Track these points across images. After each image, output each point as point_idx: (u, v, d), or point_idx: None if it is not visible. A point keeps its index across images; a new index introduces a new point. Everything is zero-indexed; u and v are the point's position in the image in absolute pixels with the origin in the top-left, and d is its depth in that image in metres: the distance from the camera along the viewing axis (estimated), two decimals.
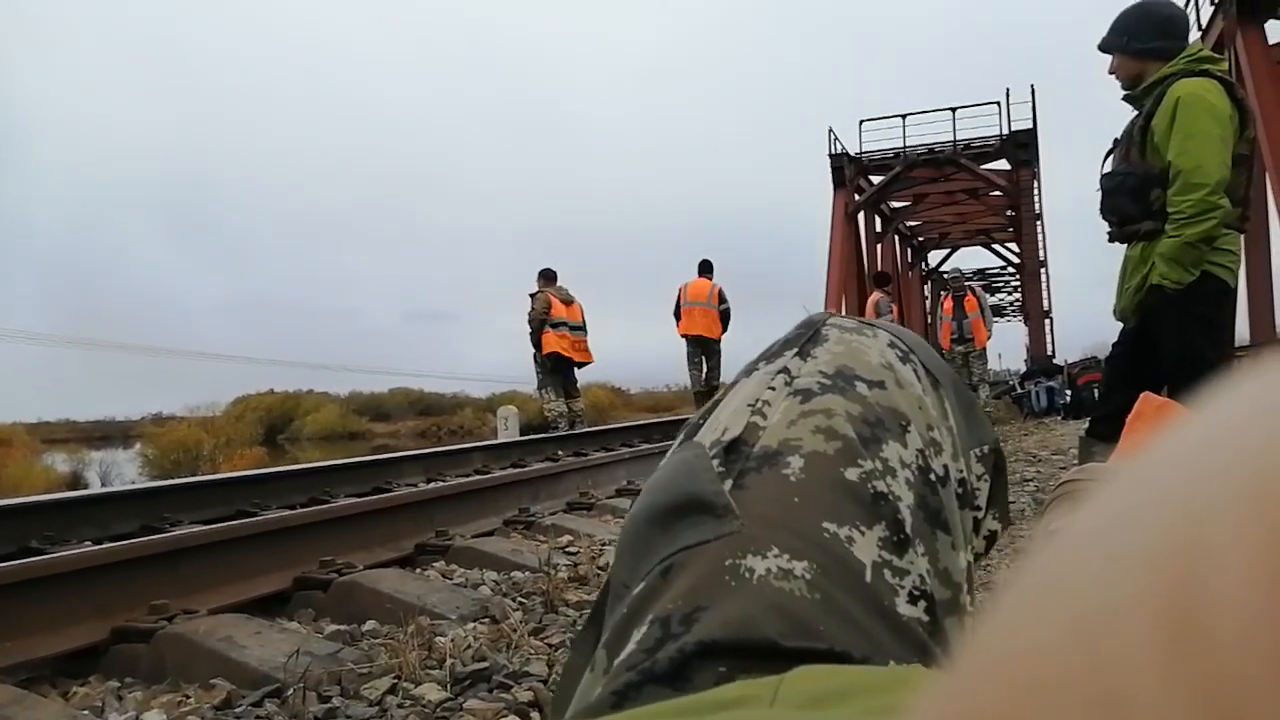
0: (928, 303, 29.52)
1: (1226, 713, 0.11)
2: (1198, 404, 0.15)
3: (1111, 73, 3.21)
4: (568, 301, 9.53)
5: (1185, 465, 0.14)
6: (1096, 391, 9.00)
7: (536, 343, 9.43)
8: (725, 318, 10.44)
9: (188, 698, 1.94)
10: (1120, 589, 0.13)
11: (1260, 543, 0.12)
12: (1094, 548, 0.14)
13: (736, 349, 10.94)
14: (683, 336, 10.48)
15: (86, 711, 1.88)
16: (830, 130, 21.32)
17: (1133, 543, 0.13)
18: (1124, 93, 3.20)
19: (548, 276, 9.60)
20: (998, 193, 22.28)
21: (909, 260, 27.72)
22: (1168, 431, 0.15)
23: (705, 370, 10.58)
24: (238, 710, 1.83)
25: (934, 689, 0.16)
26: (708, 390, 10.66)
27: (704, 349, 10.52)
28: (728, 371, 10.98)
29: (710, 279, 10.46)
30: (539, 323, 9.37)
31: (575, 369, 9.77)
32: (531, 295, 9.50)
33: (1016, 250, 25.18)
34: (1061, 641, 0.13)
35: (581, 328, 9.65)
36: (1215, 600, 0.12)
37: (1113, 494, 0.15)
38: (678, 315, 10.45)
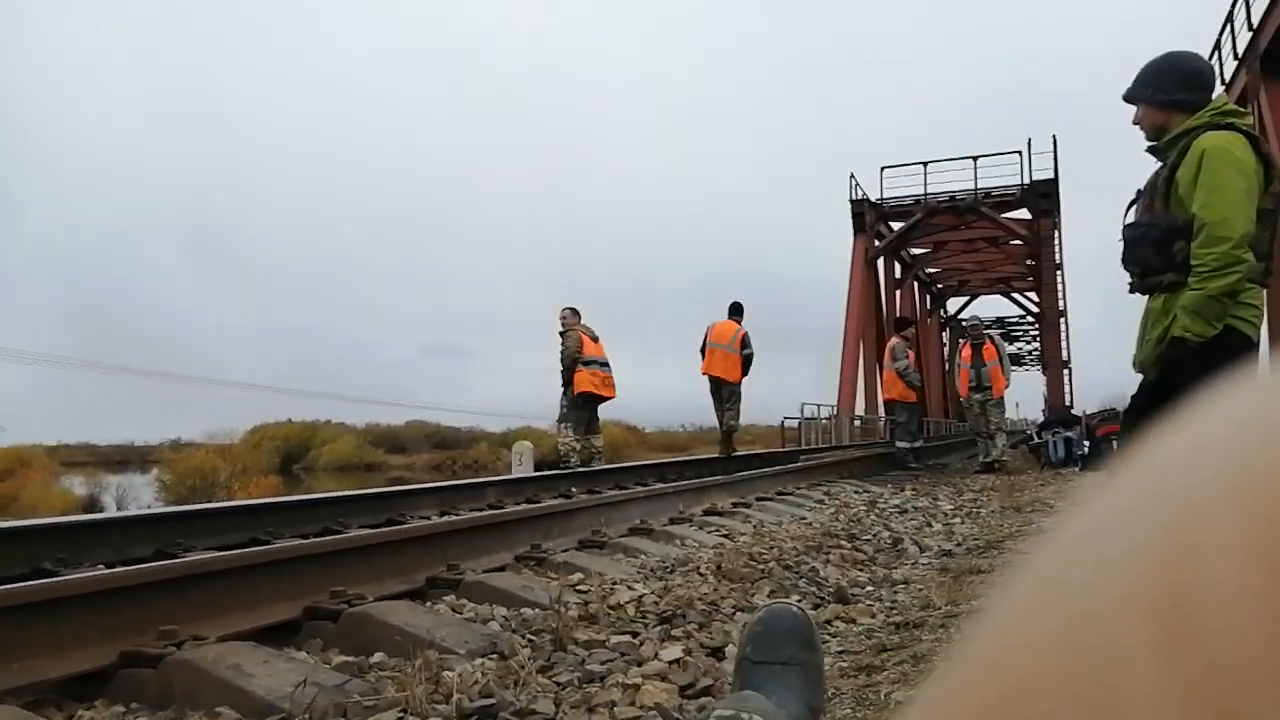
0: (945, 349, 29.42)
1: (1219, 713, 0.11)
2: (1191, 410, 0.15)
3: (1136, 123, 3.21)
4: (594, 339, 9.67)
5: (1178, 468, 0.14)
6: (1115, 443, 8.92)
7: (568, 381, 9.54)
8: (747, 363, 10.49)
9: None
10: (1113, 589, 0.13)
11: (1252, 545, 0.12)
12: (1088, 548, 0.14)
13: (756, 392, 10.98)
14: (705, 376, 10.55)
15: None
16: (851, 176, 21.42)
17: (1126, 544, 0.13)
18: (1148, 144, 3.20)
19: (576, 314, 9.71)
20: (1018, 241, 22.29)
21: (928, 307, 27.69)
22: (1161, 437, 0.15)
23: (723, 408, 10.63)
24: None
25: (928, 688, 0.16)
26: (725, 433, 10.74)
27: (722, 390, 10.56)
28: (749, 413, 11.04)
29: (738, 322, 10.52)
30: (571, 361, 9.47)
31: (598, 405, 9.86)
32: (562, 333, 9.61)
33: (1036, 299, 25.15)
34: (1054, 640, 0.13)
35: (607, 364, 9.79)
36: (1208, 601, 0.12)
37: (1107, 497, 0.15)
38: (703, 353, 10.52)
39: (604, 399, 9.82)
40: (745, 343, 10.42)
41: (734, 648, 2.30)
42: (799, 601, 3.17)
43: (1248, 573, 0.11)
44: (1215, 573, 0.12)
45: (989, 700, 0.14)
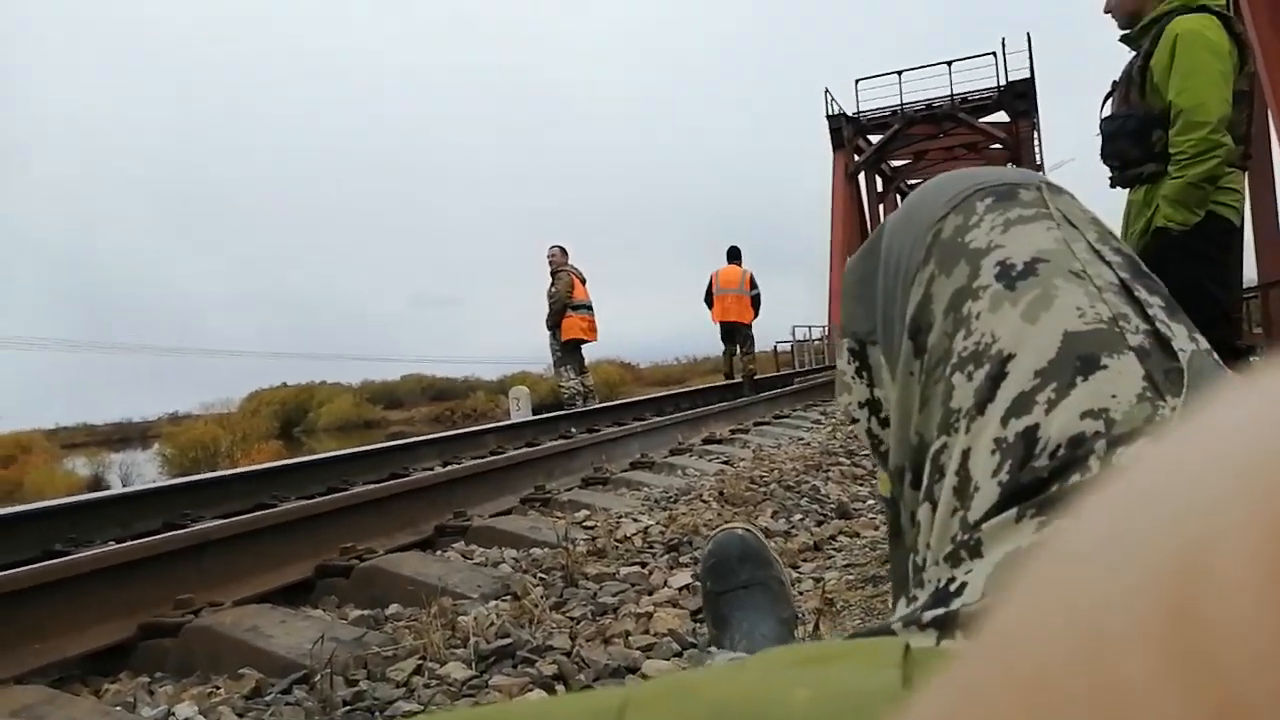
0: None
1: None
2: (1203, 407, 0.14)
3: (1108, 11, 3.17)
4: (583, 280, 9.54)
5: (1195, 476, 0.13)
6: None
7: (557, 324, 9.40)
8: (756, 303, 10.77)
9: (218, 689, 1.96)
10: (1126, 606, 0.12)
11: (1268, 567, 0.11)
12: (1099, 558, 0.14)
13: (756, 323, 11.11)
14: (717, 323, 10.66)
15: (119, 708, 1.90)
16: (826, 91, 21.16)
17: (1139, 556, 0.13)
18: (1121, 33, 3.17)
19: (565, 253, 9.56)
20: (998, 146, 22.09)
21: None
22: (1171, 434, 0.15)
23: (740, 353, 10.83)
24: (267, 698, 1.86)
25: (936, 691, 0.15)
26: (746, 372, 10.89)
27: (736, 334, 10.77)
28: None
29: (740, 265, 10.71)
30: (562, 306, 9.30)
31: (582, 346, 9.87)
32: (554, 274, 9.40)
33: None
34: (1065, 655, 0.13)
35: (591, 307, 9.71)
36: (1222, 623, 0.11)
37: (1119, 499, 0.14)
38: (709, 302, 10.60)
39: (588, 342, 9.81)
40: (753, 283, 10.73)
41: None
42: (801, 520, 3.22)
43: (1264, 595, 0.11)
44: (1231, 594, 0.11)
45: (997, 707, 0.13)
